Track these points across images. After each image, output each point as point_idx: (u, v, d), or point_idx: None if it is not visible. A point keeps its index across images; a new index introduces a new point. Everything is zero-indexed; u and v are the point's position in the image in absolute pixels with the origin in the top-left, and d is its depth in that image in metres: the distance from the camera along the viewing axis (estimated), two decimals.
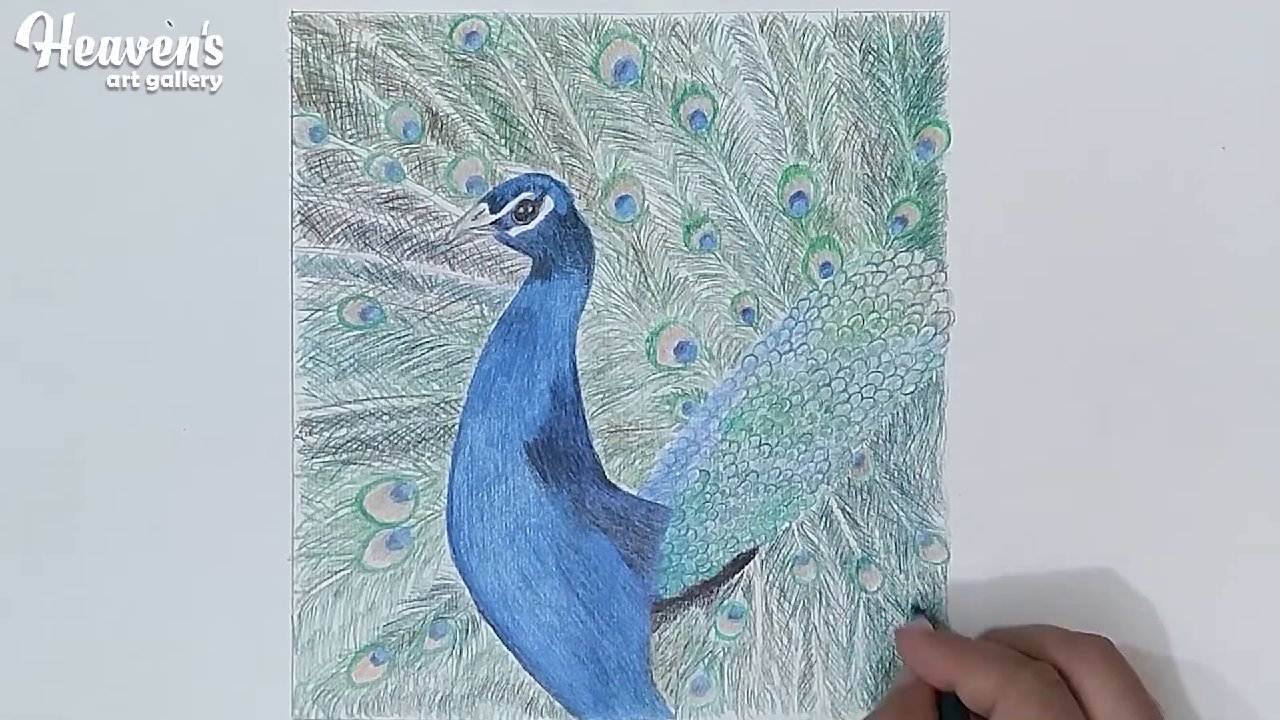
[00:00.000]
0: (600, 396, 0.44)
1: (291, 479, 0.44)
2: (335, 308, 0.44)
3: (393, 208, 0.44)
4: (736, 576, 0.44)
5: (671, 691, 0.44)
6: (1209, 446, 0.44)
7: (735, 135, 0.44)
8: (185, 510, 0.43)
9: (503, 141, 0.44)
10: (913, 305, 0.44)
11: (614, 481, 0.44)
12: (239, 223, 0.44)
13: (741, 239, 0.44)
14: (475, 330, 0.44)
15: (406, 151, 0.44)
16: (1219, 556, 0.44)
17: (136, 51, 0.44)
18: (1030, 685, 0.38)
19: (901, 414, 0.44)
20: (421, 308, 0.44)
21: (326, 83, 0.44)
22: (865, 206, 0.44)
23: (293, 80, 0.44)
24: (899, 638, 0.42)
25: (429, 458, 0.44)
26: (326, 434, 0.44)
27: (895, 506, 0.44)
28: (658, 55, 0.44)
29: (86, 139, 0.43)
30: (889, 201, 0.44)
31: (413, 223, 0.44)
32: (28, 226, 0.43)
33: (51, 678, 0.43)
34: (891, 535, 0.44)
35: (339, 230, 0.44)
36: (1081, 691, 0.39)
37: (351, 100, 0.44)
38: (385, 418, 0.44)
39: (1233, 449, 0.44)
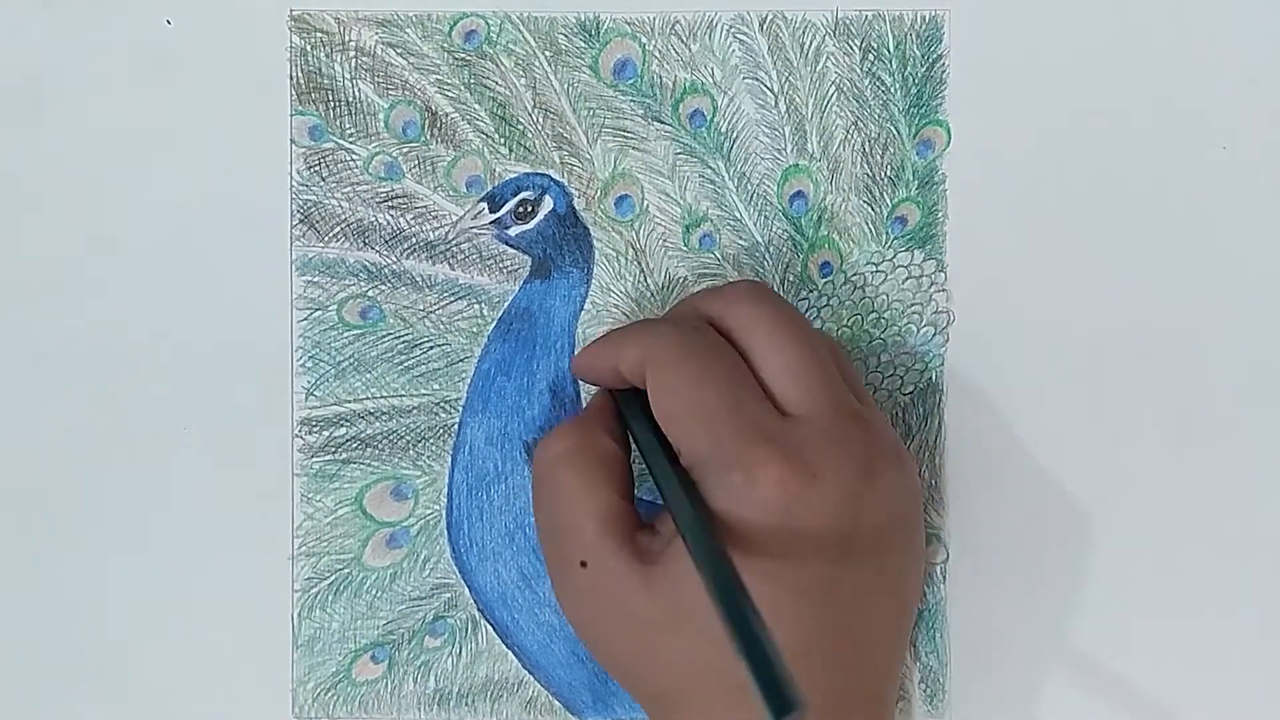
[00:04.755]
0: None
1: (291, 478, 0.44)
2: (335, 307, 0.44)
3: (392, 207, 0.44)
4: None
5: None
6: (1212, 447, 0.44)
7: (735, 134, 0.44)
8: (185, 509, 0.44)
9: (502, 140, 0.44)
10: (912, 305, 0.44)
11: None
12: (238, 222, 0.44)
13: (741, 238, 0.44)
14: (475, 330, 0.44)
15: (406, 150, 0.44)
16: (1223, 557, 0.44)
17: (135, 50, 0.43)
18: (669, 335, 0.37)
19: (901, 414, 0.44)
20: (421, 307, 0.44)
21: (326, 81, 0.44)
22: (865, 206, 0.44)
23: (292, 79, 0.44)
24: (572, 364, 0.42)
25: (429, 457, 0.44)
26: (326, 433, 0.44)
27: None
28: (657, 54, 0.44)
29: (86, 138, 0.43)
30: (889, 201, 0.44)
31: (412, 222, 0.44)
32: (27, 225, 0.43)
33: (50, 676, 0.44)
34: None
35: (338, 229, 0.44)
36: (734, 333, 0.38)
37: (351, 99, 0.44)
38: (385, 417, 0.44)
39: (1236, 449, 0.44)
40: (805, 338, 0.38)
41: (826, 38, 0.44)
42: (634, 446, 0.39)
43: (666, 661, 0.37)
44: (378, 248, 0.44)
